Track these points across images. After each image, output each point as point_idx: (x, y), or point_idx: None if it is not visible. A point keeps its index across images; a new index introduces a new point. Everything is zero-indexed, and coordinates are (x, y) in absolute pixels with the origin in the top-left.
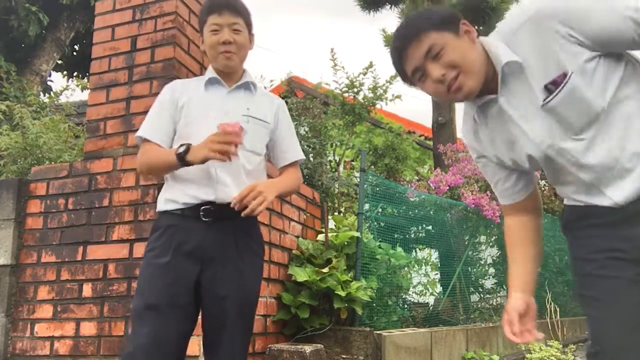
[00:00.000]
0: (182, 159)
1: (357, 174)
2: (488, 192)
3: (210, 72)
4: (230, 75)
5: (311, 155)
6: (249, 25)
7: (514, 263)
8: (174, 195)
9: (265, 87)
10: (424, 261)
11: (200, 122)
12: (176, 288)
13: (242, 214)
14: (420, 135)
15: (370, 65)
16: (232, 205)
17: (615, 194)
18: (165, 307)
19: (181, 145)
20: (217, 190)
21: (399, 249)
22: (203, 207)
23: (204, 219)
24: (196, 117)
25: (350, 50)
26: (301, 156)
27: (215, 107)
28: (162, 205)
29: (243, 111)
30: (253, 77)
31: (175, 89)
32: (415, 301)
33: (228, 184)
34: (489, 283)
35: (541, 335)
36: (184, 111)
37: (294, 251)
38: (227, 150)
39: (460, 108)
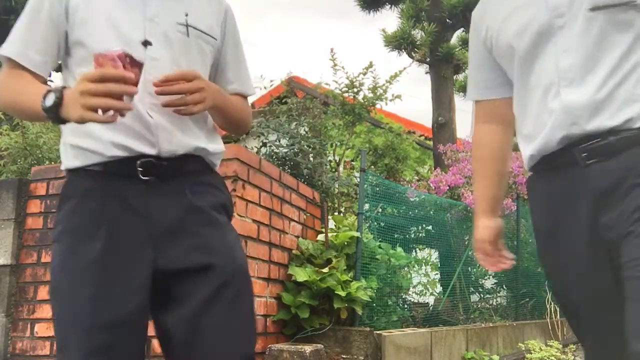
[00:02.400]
0: (54, 116)
1: (357, 174)
2: None
3: None
4: None
5: (311, 155)
6: None
7: (482, 180)
8: (88, 142)
9: (265, 87)
10: (424, 261)
11: (105, 39)
12: (129, 296)
13: (172, 109)
14: (420, 135)
15: (370, 65)
16: (155, 88)
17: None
18: (118, 340)
19: (49, 93)
20: (159, 140)
21: (399, 249)
22: (141, 161)
23: (143, 177)
24: (99, 31)
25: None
26: (251, 91)
27: (131, 14)
28: (70, 158)
29: (179, 18)
30: None
31: None
32: (415, 301)
33: (171, 130)
34: (489, 283)
35: (512, 256)
36: (76, 19)
37: (294, 251)
38: (111, 106)
39: (460, 108)
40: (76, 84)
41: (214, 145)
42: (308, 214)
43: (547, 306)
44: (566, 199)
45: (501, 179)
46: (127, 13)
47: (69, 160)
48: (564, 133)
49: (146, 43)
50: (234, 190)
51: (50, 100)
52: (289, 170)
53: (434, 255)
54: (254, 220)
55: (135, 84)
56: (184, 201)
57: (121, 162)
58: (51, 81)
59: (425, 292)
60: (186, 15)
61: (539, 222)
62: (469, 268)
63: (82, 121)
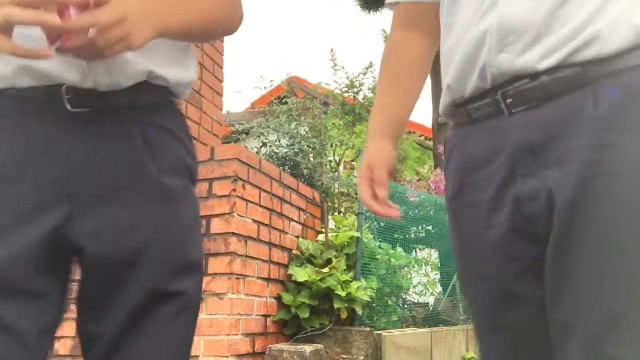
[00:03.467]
0: None
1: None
2: None
3: None
4: None
5: (311, 155)
6: None
7: (388, 96)
8: None
9: (265, 87)
10: (424, 261)
11: None
12: (17, 260)
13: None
14: (420, 135)
15: (370, 65)
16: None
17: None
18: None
19: None
20: (94, 68)
21: (399, 249)
22: (68, 88)
23: (71, 108)
24: None
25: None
26: None
27: None
28: None
29: None
30: None
31: None
32: (415, 301)
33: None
34: None
35: (396, 206)
36: None
37: (294, 251)
38: (50, 26)
39: None
40: None
41: (179, 72)
42: (308, 214)
43: None
44: (480, 161)
45: (410, 99)
46: None
47: None
48: (487, 61)
49: None
50: (234, 190)
51: None
52: (289, 170)
53: (434, 255)
54: (254, 220)
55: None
56: (126, 151)
57: (40, 88)
58: None
59: (425, 292)
60: None
61: (447, 189)
62: None
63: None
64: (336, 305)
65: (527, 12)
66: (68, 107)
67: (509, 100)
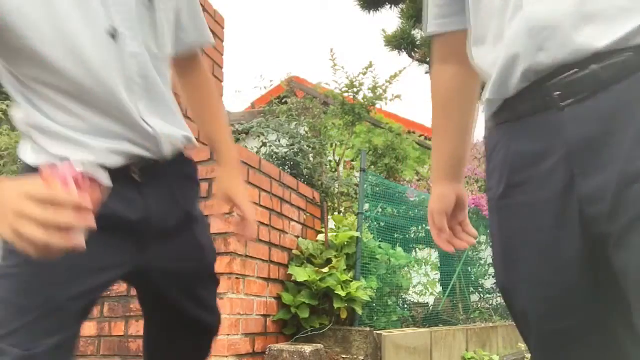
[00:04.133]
0: None
1: (357, 174)
2: None
3: None
4: None
5: (311, 155)
6: None
7: (438, 136)
8: (70, 150)
9: (265, 87)
10: (424, 261)
11: (41, 26)
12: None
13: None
14: (420, 135)
15: (370, 65)
16: None
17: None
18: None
19: None
20: (161, 147)
21: (399, 249)
22: (138, 165)
23: (139, 179)
24: (27, 11)
25: (349, 51)
26: (210, 38)
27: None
28: (35, 157)
29: None
30: None
31: None
32: (415, 301)
33: (168, 133)
34: (489, 283)
35: (475, 233)
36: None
37: (294, 251)
38: (49, 244)
39: None
40: (15, 194)
41: (189, 131)
42: (308, 214)
43: None
44: (531, 158)
45: (461, 135)
46: None
47: (32, 157)
48: (527, 64)
49: (114, 33)
50: None
51: None
52: (289, 170)
53: (434, 255)
54: None
55: (93, 212)
56: (171, 199)
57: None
58: None
59: (425, 292)
60: None
61: (491, 188)
62: (469, 268)
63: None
64: (336, 305)
65: (565, 3)
66: (137, 179)
67: (557, 93)
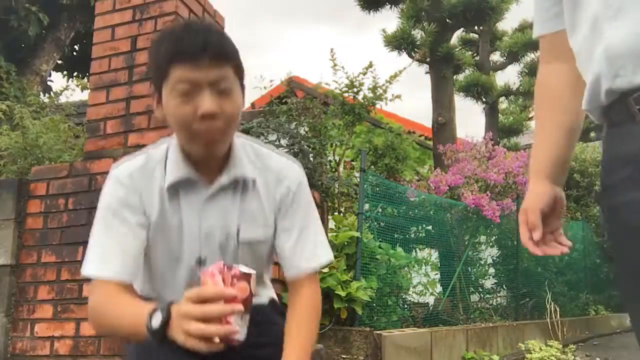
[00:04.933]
0: (160, 337)
1: (357, 174)
2: (488, 192)
3: (175, 163)
4: (210, 163)
5: (311, 155)
6: (240, 74)
7: (541, 133)
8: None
9: (265, 87)
10: (424, 261)
11: (159, 260)
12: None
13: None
14: (420, 135)
15: (370, 65)
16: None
17: None
18: None
19: (155, 312)
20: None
21: (399, 249)
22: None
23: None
24: (155, 253)
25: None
26: (316, 263)
27: (184, 231)
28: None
29: (231, 229)
30: (244, 151)
31: (129, 185)
32: (415, 301)
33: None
34: (489, 283)
35: (569, 244)
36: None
37: None
38: (208, 333)
39: (460, 108)
40: (181, 303)
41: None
42: None
43: (547, 306)
44: (619, 163)
45: (565, 134)
46: (174, 237)
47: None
48: (608, 86)
49: (200, 261)
50: None
51: (157, 321)
52: None
53: (434, 255)
54: None
55: (242, 300)
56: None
57: None
58: (51, 81)
59: (425, 292)
60: (238, 229)
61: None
62: (469, 268)
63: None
64: (336, 305)
65: (630, 34)
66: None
67: (637, 107)
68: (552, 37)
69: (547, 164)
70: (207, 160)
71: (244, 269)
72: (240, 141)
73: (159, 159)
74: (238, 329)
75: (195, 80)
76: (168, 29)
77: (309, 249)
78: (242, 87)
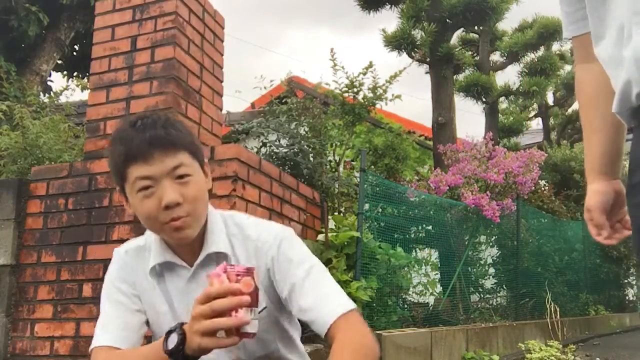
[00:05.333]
0: (181, 356)
1: (357, 174)
2: (488, 192)
3: (156, 250)
4: (188, 246)
5: (311, 155)
6: (198, 155)
7: (587, 132)
8: None
9: (265, 87)
10: (424, 261)
11: (162, 321)
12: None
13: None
14: (420, 135)
15: (370, 65)
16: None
17: None
18: None
19: (170, 334)
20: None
21: (399, 249)
22: None
23: None
24: (155, 334)
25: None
26: (347, 306)
27: (172, 312)
28: None
29: None
30: (224, 224)
31: (123, 262)
32: (415, 301)
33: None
34: (489, 283)
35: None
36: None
37: None
38: (220, 326)
39: (460, 108)
40: (191, 319)
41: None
42: (308, 214)
43: (547, 306)
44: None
45: (612, 127)
46: (166, 317)
47: None
48: (638, 89)
49: None
50: (234, 190)
51: (173, 341)
52: (289, 170)
53: (434, 255)
54: None
55: (248, 293)
56: None
57: None
58: (51, 81)
59: (425, 292)
60: None
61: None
62: (469, 268)
63: (204, 351)
64: None
65: None
66: None
67: None
68: (581, 39)
69: (602, 160)
70: (183, 244)
71: (244, 265)
72: (220, 216)
73: (150, 242)
74: (249, 319)
75: (151, 176)
76: (120, 128)
77: (325, 294)
78: (203, 165)
